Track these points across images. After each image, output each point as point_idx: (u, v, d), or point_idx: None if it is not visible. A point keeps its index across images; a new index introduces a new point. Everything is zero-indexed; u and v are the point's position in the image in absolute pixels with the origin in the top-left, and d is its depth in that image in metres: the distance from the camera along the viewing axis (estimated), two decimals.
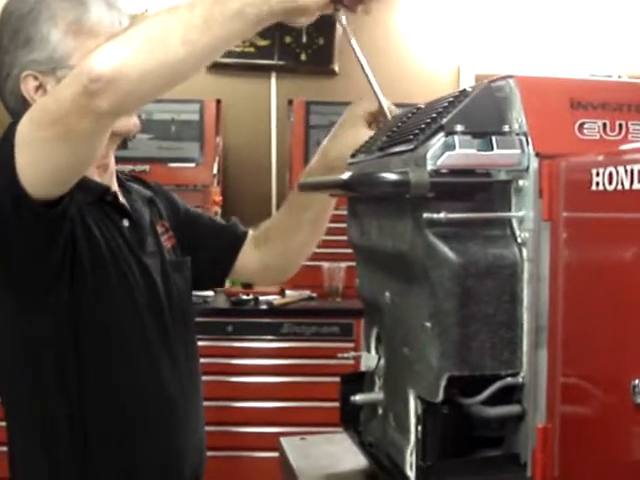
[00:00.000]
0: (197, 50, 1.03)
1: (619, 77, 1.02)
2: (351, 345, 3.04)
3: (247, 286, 3.50)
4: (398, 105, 1.29)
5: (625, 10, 4.10)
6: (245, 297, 3.30)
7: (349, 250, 1.24)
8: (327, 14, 1.13)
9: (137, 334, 1.30)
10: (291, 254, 1.57)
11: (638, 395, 0.65)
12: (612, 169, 0.69)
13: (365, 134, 1.26)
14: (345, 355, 1.35)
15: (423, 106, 1.06)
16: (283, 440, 1.40)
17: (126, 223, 1.34)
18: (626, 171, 0.67)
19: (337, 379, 1.23)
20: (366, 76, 1.22)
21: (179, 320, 1.39)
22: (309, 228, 1.53)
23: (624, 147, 0.71)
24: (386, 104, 1.25)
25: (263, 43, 3.91)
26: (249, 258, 1.56)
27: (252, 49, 3.91)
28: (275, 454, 1.42)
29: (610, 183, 0.70)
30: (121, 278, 1.28)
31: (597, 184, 0.72)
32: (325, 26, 3.69)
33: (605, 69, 3.45)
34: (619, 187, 0.68)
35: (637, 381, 0.65)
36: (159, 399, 1.35)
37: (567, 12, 4.06)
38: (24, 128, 1.07)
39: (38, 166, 1.07)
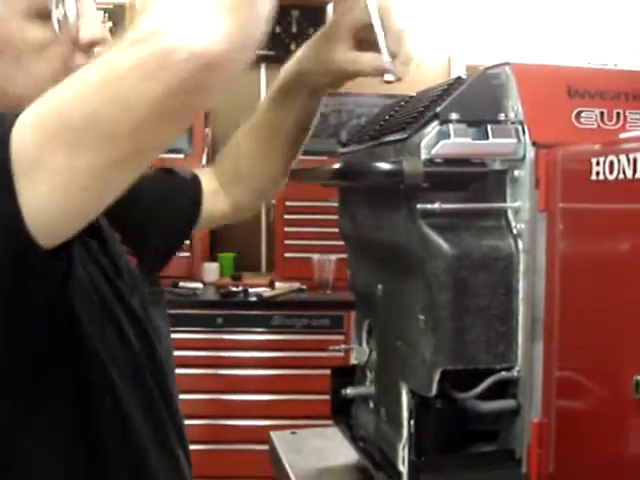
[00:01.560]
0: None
1: (615, 66, 1.00)
2: (341, 338, 3.03)
3: (237, 278, 3.48)
4: (389, 96, 1.26)
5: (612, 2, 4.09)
6: (234, 289, 3.28)
7: (339, 242, 1.23)
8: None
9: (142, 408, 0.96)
10: (268, 186, 1.27)
11: (638, 390, 0.63)
12: (613, 158, 0.67)
13: (345, 55, 1.04)
14: (336, 347, 1.33)
15: (415, 95, 1.04)
16: (273, 434, 1.38)
17: (95, 245, 0.97)
18: (628, 160, 0.65)
19: (327, 372, 1.22)
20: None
21: (172, 379, 1.10)
22: (288, 151, 1.21)
23: (625, 135, 0.69)
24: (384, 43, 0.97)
25: None
26: (216, 207, 1.24)
27: None
28: (265, 447, 1.40)
29: (611, 172, 0.68)
30: (117, 335, 0.95)
31: (597, 173, 0.70)
32: (315, 16, 3.66)
33: (599, 59, 3.45)
34: (620, 176, 0.66)
35: (638, 376, 0.63)
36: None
37: (558, 2, 4.05)
38: (36, 152, 0.68)
39: (63, 206, 0.70)
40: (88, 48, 0.89)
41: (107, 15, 3.63)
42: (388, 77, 0.94)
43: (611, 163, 0.68)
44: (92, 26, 0.90)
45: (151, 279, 1.12)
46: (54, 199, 0.69)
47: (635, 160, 0.64)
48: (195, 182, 1.21)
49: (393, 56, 0.95)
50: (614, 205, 0.70)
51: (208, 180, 1.23)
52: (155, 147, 0.71)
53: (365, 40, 1.01)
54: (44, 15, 0.85)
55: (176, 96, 0.64)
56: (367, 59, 1.00)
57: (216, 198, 1.23)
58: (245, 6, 0.67)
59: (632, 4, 4.07)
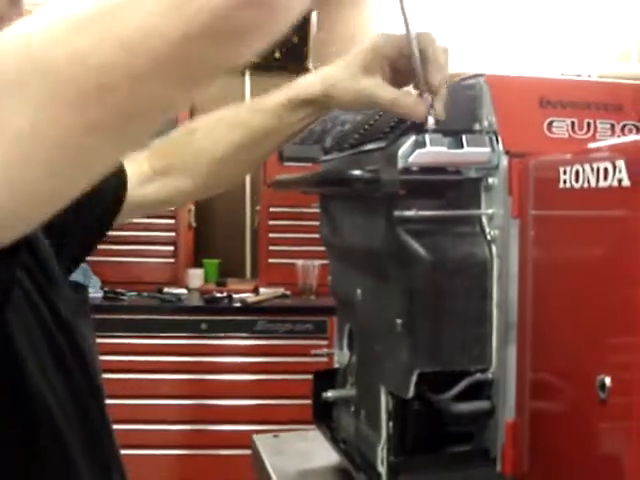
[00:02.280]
0: None
1: (588, 76, 1.04)
2: (325, 342, 3.05)
3: (221, 284, 3.50)
4: None
5: (598, 9, 4.14)
6: (219, 295, 3.29)
7: (323, 248, 1.25)
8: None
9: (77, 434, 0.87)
10: (216, 187, 1.16)
11: (603, 390, 0.66)
12: (579, 167, 0.70)
13: (384, 90, 0.93)
14: (318, 352, 1.35)
15: None
16: (256, 437, 1.40)
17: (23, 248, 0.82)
18: (592, 169, 0.68)
19: (311, 376, 1.24)
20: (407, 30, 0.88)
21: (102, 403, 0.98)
22: (259, 158, 1.13)
23: (590, 145, 0.72)
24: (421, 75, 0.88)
25: None
26: (147, 197, 1.12)
27: None
28: (250, 452, 1.42)
29: (577, 181, 0.71)
30: (54, 353, 0.85)
31: (565, 182, 0.73)
32: (299, 24, 3.69)
33: (575, 68, 3.49)
34: (585, 185, 0.69)
35: (602, 376, 0.66)
36: None
37: (539, 11, 4.10)
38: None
39: (20, 186, 0.51)
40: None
41: None
42: (431, 124, 0.84)
43: (577, 172, 0.70)
44: None
45: (75, 284, 0.99)
46: (6, 178, 0.50)
47: (598, 169, 0.67)
48: (119, 172, 1.08)
49: (433, 92, 0.87)
50: (580, 212, 0.72)
51: (138, 168, 1.11)
52: (156, 110, 0.53)
53: (402, 71, 0.93)
54: None
55: (201, 39, 0.48)
56: (409, 103, 0.88)
57: (148, 187, 1.12)
58: None
59: (611, 13, 4.13)
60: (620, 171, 0.64)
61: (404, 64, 0.91)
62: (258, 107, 1.07)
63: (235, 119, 1.11)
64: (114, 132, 0.51)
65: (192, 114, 3.57)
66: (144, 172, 1.12)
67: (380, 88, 0.93)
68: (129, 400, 2.96)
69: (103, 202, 1.06)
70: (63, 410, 0.84)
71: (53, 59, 0.47)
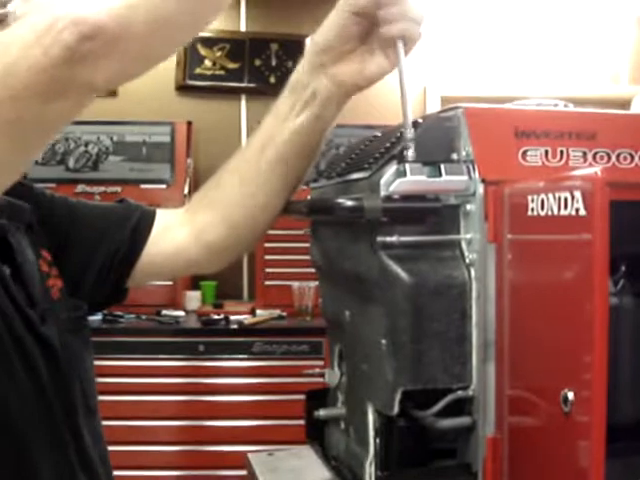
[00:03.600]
0: None
1: (565, 106, 1.08)
2: (320, 363, 3.06)
3: (218, 306, 3.54)
4: (367, 127, 1.25)
5: (590, 33, 4.20)
6: (216, 317, 3.33)
7: None
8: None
9: (50, 449, 0.92)
10: (243, 220, 1.10)
11: (566, 404, 0.70)
12: (544, 196, 0.75)
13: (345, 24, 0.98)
14: (309, 372, 1.39)
15: (380, 134, 1.12)
16: (251, 456, 1.43)
17: (7, 271, 0.93)
18: (555, 198, 0.73)
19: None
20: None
21: (91, 418, 1.02)
22: (285, 182, 1.09)
23: (555, 176, 0.77)
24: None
25: (233, 66, 3.96)
26: (176, 242, 1.11)
27: (222, 72, 3.97)
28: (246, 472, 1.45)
29: (542, 209, 0.76)
30: (22, 364, 0.90)
31: (532, 209, 0.78)
32: (294, 49, 3.75)
33: (565, 91, 3.54)
34: (549, 213, 0.74)
35: (565, 391, 0.71)
36: None
37: (531, 35, 4.16)
38: None
39: None
40: None
41: None
42: (411, 156, 0.89)
43: (542, 201, 0.75)
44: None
45: (73, 304, 1.03)
46: None
47: (559, 199, 0.72)
48: (145, 214, 1.12)
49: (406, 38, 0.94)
50: (545, 237, 0.77)
51: (172, 217, 1.13)
52: (41, 121, 0.69)
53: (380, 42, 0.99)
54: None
55: (57, 66, 0.65)
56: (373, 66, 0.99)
57: (175, 231, 1.11)
58: None
59: (601, 37, 4.19)
60: (577, 201, 0.69)
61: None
62: (271, 116, 1.07)
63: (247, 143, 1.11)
64: (11, 136, 0.67)
65: (189, 131, 3.62)
66: (176, 221, 1.12)
67: (385, 65, 1.00)
68: (127, 422, 2.99)
69: (120, 247, 1.08)
70: (24, 412, 0.88)
71: None
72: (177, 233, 1.11)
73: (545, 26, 4.16)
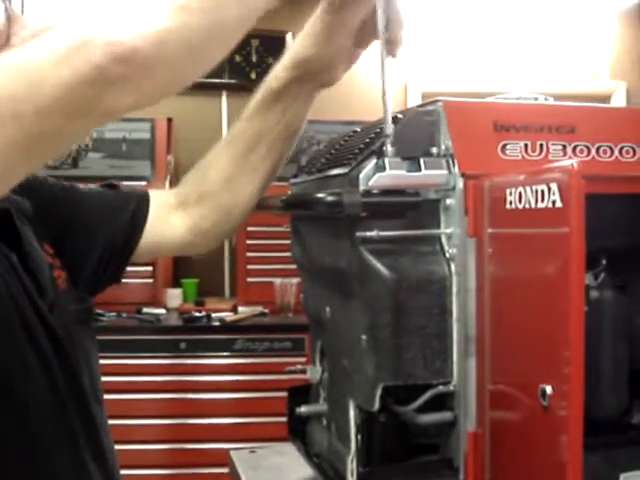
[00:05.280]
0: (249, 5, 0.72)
1: (545, 99, 1.08)
2: (303, 360, 3.06)
3: (200, 303, 3.52)
4: (348, 123, 1.28)
5: (571, 29, 4.22)
6: (197, 314, 3.32)
7: None
8: None
9: (63, 439, 0.93)
10: (233, 210, 1.16)
11: (544, 398, 0.70)
12: (521, 189, 0.75)
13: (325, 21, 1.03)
14: (292, 368, 1.38)
15: (359, 130, 1.11)
16: (233, 453, 1.43)
17: (15, 258, 0.92)
18: (532, 191, 0.73)
19: None
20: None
21: (98, 408, 1.03)
22: (264, 169, 1.14)
23: (531, 169, 0.77)
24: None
25: None
26: (171, 228, 1.15)
27: None
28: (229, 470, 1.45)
29: (520, 202, 0.75)
30: (34, 355, 0.90)
31: (510, 202, 0.78)
32: (275, 46, 3.74)
33: (538, 89, 3.55)
34: (527, 205, 0.74)
35: (543, 385, 0.70)
36: None
37: (512, 30, 4.17)
38: None
39: None
40: None
41: None
42: (390, 150, 0.91)
43: (520, 194, 0.75)
44: (25, 32, 0.87)
45: (78, 296, 1.04)
46: None
47: (537, 191, 0.72)
48: (140, 199, 1.14)
49: (391, 41, 0.96)
50: (523, 230, 0.77)
51: (164, 200, 1.16)
52: (61, 137, 0.68)
53: (364, 39, 1.05)
54: None
55: (86, 84, 0.63)
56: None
57: (172, 218, 1.15)
58: (192, 13, 0.66)
59: (582, 34, 4.21)
60: (554, 193, 0.68)
61: (367, 32, 1.03)
62: (245, 115, 1.13)
63: (230, 134, 1.15)
64: (29, 148, 0.66)
65: (169, 128, 3.60)
66: (168, 208, 1.15)
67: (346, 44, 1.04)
68: (108, 420, 2.97)
69: (121, 235, 1.11)
70: (39, 407, 0.89)
71: None
72: (174, 220, 1.15)
73: (526, 22, 4.17)
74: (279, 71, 1.09)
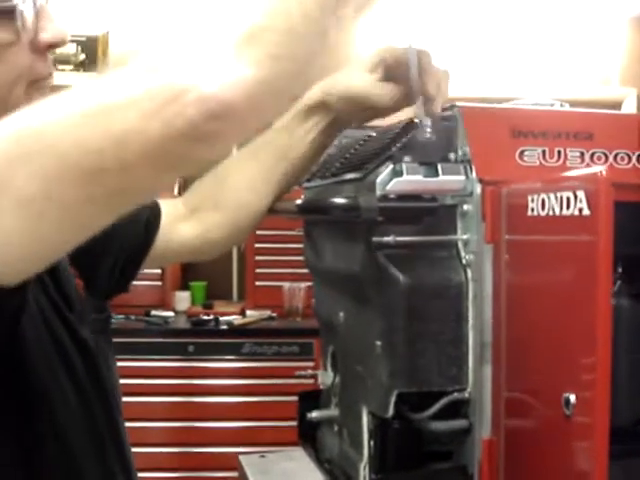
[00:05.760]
0: (329, 39, 0.66)
1: (561, 105, 1.08)
2: (311, 364, 3.07)
3: (208, 306, 3.52)
4: (361, 127, 1.27)
5: (581, 35, 4.21)
6: (205, 317, 3.32)
7: (308, 270, 1.28)
8: None
9: (93, 452, 0.92)
10: (246, 220, 1.14)
11: (567, 407, 0.70)
12: (545, 196, 0.74)
13: (375, 85, 1.01)
14: (302, 373, 1.38)
15: (374, 134, 1.11)
16: (242, 458, 1.42)
17: (46, 274, 0.89)
18: (556, 198, 0.72)
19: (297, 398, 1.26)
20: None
21: (121, 419, 1.02)
22: (282, 182, 1.13)
23: (556, 176, 0.76)
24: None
25: None
26: (181, 237, 1.14)
27: None
28: (237, 474, 1.44)
29: (543, 209, 0.75)
30: (68, 373, 0.88)
31: (532, 210, 0.77)
32: None
33: (556, 93, 3.54)
34: (550, 213, 0.73)
35: (567, 394, 0.70)
36: None
37: (523, 37, 4.17)
38: (6, 172, 0.60)
39: (28, 241, 0.62)
40: (46, 50, 0.82)
41: (80, 47, 3.68)
42: (423, 120, 0.91)
43: (543, 201, 0.74)
44: (53, 26, 0.82)
45: (98, 305, 1.04)
46: (19, 231, 0.60)
47: (562, 199, 0.71)
48: (153, 210, 1.11)
49: (427, 99, 0.95)
50: (546, 238, 0.76)
51: (173, 208, 1.14)
52: (144, 191, 0.65)
53: (393, 78, 1.01)
54: (2, 15, 0.78)
55: (176, 141, 0.58)
56: (404, 102, 1.00)
57: (182, 226, 1.13)
58: (282, 61, 0.61)
59: (592, 40, 4.20)
60: (581, 201, 0.68)
61: (399, 73, 0.99)
62: (275, 126, 1.11)
63: (255, 143, 1.12)
64: (109, 203, 0.63)
65: None
66: (179, 213, 1.14)
67: (376, 86, 1.01)
68: None
69: (134, 243, 1.10)
70: (72, 419, 0.87)
71: (59, 142, 0.59)
72: (183, 228, 1.14)
73: (536, 28, 4.16)
74: (316, 90, 1.06)
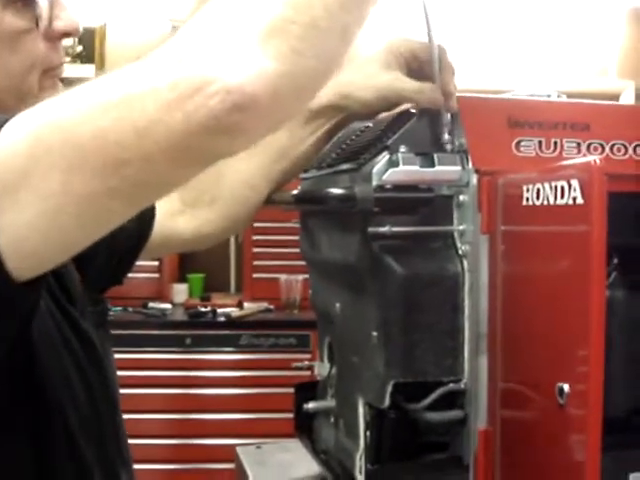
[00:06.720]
0: (349, 36, 0.64)
1: (558, 96, 1.07)
2: (308, 356, 3.07)
3: (205, 299, 3.52)
4: None
5: (578, 27, 4.21)
6: (203, 309, 3.32)
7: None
8: None
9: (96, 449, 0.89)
10: (243, 215, 1.14)
11: (561, 397, 0.70)
12: (540, 186, 0.74)
13: (403, 82, 0.99)
14: (299, 364, 1.38)
15: (371, 124, 1.11)
16: (239, 449, 1.43)
17: None
18: (551, 187, 0.72)
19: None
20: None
21: (121, 415, 1.01)
22: (280, 179, 1.13)
23: (551, 165, 0.76)
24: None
25: None
26: (176, 230, 1.14)
27: None
28: (234, 465, 1.44)
29: (538, 199, 0.75)
30: (75, 368, 0.87)
31: (527, 199, 0.77)
32: None
33: (553, 85, 3.53)
34: (545, 202, 0.73)
35: (561, 384, 0.70)
36: None
37: (520, 28, 4.16)
38: (27, 166, 0.59)
39: (48, 235, 0.62)
40: (60, 39, 0.82)
41: (77, 39, 3.67)
42: (444, 116, 0.92)
43: (538, 190, 0.74)
44: (67, 15, 0.82)
45: (95, 298, 1.02)
46: (39, 225, 0.61)
47: (556, 188, 0.71)
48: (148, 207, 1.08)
49: (446, 94, 0.94)
50: (541, 228, 0.76)
51: (169, 203, 1.12)
52: (164, 184, 0.64)
53: (409, 74, 1.00)
54: (18, 3, 0.77)
55: (199, 133, 0.57)
56: (433, 93, 0.95)
57: (177, 220, 1.13)
58: (305, 56, 0.60)
59: (589, 31, 4.19)
60: (575, 190, 0.68)
61: (415, 68, 1.00)
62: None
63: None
64: (130, 197, 0.62)
65: None
66: (174, 206, 1.13)
67: (402, 81, 0.99)
68: None
69: (129, 236, 1.07)
70: (80, 417, 0.86)
71: (79, 133, 0.58)
72: (176, 221, 1.13)
73: (534, 20, 4.15)
74: (326, 92, 1.03)
